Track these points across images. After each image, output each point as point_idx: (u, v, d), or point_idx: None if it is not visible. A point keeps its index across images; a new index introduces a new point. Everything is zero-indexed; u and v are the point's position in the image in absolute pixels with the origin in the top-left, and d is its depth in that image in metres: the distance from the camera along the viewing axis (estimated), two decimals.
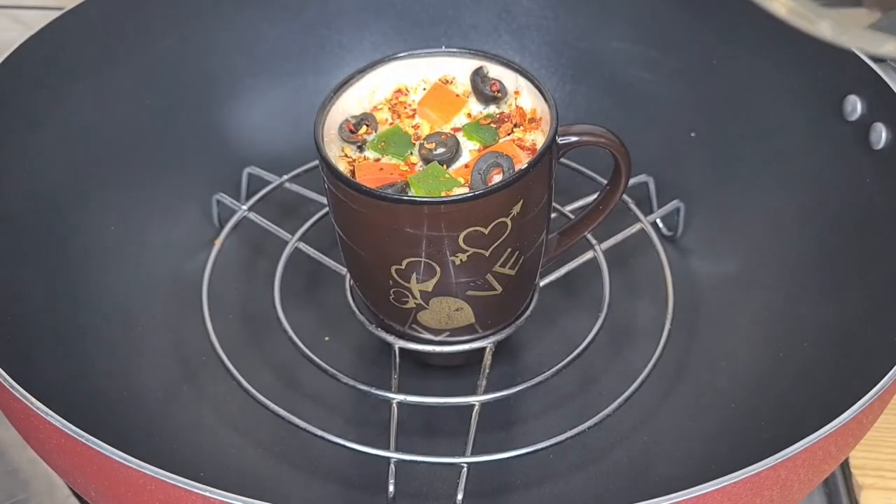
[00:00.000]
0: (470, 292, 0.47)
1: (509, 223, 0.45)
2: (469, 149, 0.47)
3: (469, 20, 0.64)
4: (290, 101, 0.64)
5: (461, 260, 0.45)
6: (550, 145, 0.45)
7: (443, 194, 0.44)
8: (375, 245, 0.46)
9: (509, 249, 0.46)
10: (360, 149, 0.47)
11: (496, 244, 0.45)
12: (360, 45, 0.64)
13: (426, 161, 0.46)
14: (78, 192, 0.57)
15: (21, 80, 0.55)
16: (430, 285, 0.46)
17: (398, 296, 0.47)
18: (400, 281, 0.46)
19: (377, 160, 0.47)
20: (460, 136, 0.47)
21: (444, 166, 0.46)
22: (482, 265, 0.46)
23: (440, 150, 0.46)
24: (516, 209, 0.44)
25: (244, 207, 0.58)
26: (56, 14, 0.57)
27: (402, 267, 0.46)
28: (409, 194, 0.45)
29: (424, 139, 0.47)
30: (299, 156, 0.60)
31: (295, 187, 0.59)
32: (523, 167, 0.44)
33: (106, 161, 0.58)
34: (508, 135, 0.47)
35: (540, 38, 0.64)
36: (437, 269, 0.45)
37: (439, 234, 0.44)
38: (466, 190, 0.45)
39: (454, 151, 0.46)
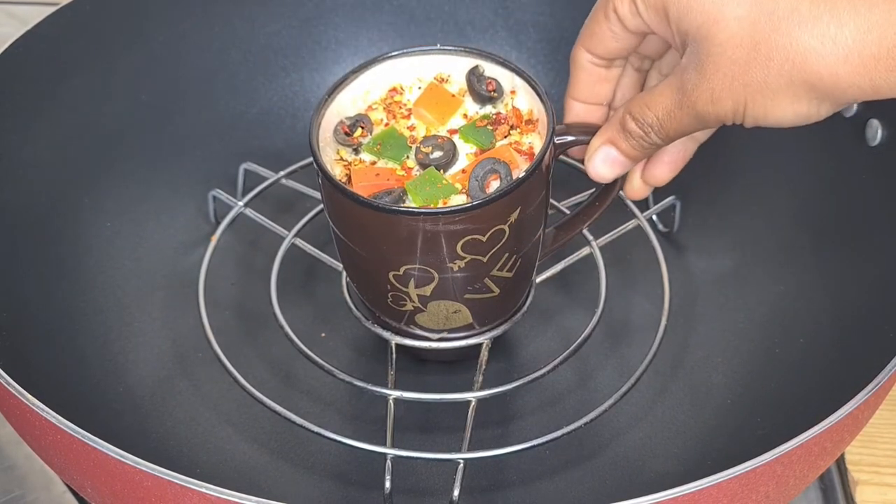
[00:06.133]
0: (468, 295, 0.47)
1: (507, 230, 0.44)
2: (466, 152, 0.47)
3: (465, 16, 0.64)
4: (287, 96, 0.64)
5: (459, 266, 0.45)
6: (547, 151, 0.45)
7: (440, 202, 0.44)
8: (373, 252, 0.46)
9: (507, 254, 0.46)
10: (356, 151, 0.47)
11: (494, 250, 0.45)
12: (356, 40, 0.64)
13: (423, 165, 0.46)
14: (73, 188, 0.57)
15: (15, 75, 0.55)
16: (427, 290, 0.46)
17: (396, 299, 0.47)
18: (397, 286, 0.46)
19: (373, 163, 0.47)
20: (457, 138, 0.47)
21: (441, 171, 0.45)
22: (480, 270, 0.46)
23: (437, 154, 0.46)
24: (514, 216, 0.44)
25: (240, 203, 0.58)
26: (51, 10, 0.57)
27: (400, 273, 0.46)
28: (407, 202, 0.44)
29: (421, 143, 0.46)
30: (296, 151, 0.60)
31: (291, 183, 0.58)
32: (521, 175, 0.44)
33: (101, 157, 0.58)
34: (505, 137, 0.47)
35: (537, 34, 0.64)
36: (435, 275, 0.45)
37: (437, 243, 0.44)
38: (464, 197, 0.45)
39: (451, 155, 0.46)
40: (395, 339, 0.50)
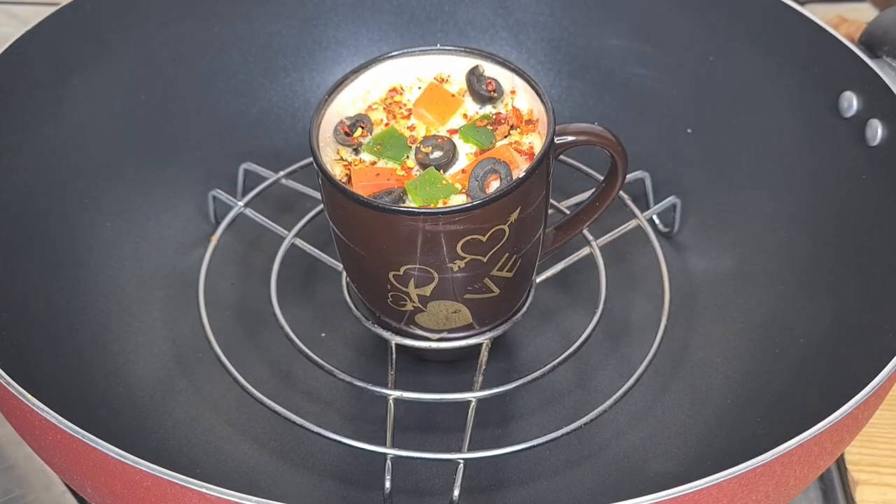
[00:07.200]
0: (468, 295, 0.47)
1: (507, 230, 0.44)
2: (466, 152, 0.47)
3: (465, 16, 0.64)
4: (287, 96, 0.64)
5: (459, 266, 0.45)
6: (548, 151, 0.45)
7: (440, 203, 0.44)
8: (373, 252, 0.46)
9: (507, 254, 0.46)
10: (356, 151, 0.47)
11: (494, 250, 0.45)
12: (357, 40, 0.64)
13: (423, 165, 0.46)
14: (73, 188, 0.57)
15: (16, 75, 0.55)
16: (427, 290, 0.46)
17: (396, 299, 0.47)
18: (397, 286, 0.46)
19: (373, 163, 0.47)
20: (457, 138, 0.47)
21: (441, 171, 0.45)
22: (480, 270, 0.46)
23: (437, 154, 0.46)
24: (514, 216, 0.44)
25: (240, 203, 0.58)
26: (51, 10, 0.57)
27: (400, 273, 0.46)
28: (407, 202, 0.44)
29: (421, 143, 0.46)
30: (296, 151, 0.60)
31: (291, 183, 0.58)
32: (521, 175, 0.44)
33: (101, 157, 0.58)
34: (505, 137, 0.47)
35: (536, 34, 0.64)
36: (435, 275, 0.45)
37: (437, 243, 0.44)
38: (464, 197, 0.45)
39: (451, 156, 0.46)
40: (395, 339, 0.50)
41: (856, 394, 0.42)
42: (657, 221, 0.59)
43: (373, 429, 0.50)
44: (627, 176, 0.50)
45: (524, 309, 0.51)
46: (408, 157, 0.47)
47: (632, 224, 0.56)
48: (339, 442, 0.47)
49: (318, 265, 0.56)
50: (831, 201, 0.55)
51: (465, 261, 0.45)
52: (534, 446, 0.47)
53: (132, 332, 0.55)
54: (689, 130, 0.61)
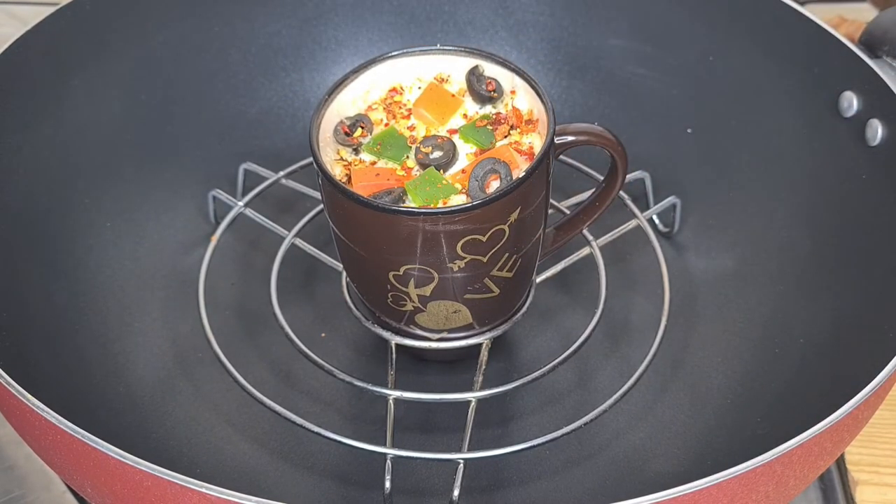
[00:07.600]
0: (468, 295, 0.47)
1: (507, 230, 0.44)
2: (466, 152, 0.47)
3: (465, 16, 0.64)
4: (287, 96, 0.64)
5: (459, 266, 0.45)
6: (548, 151, 0.45)
7: (440, 203, 0.44)
8: (373, 252, 0.46)
9: (507, 254, 0.46)
10: (356, 151, 0.47)
11: (494, 250, 0.45)
12: (356, 40, 0.64)
13: (423, 165, 0.46)
14: (74, 188, 0.57)
15: (16, 75, 0.55)
16: (427, 290, 0.46)
17: (396, 299, 0.47)
18: (397, 286, 0.46)
19: (373, 163, 0.47)
20: (457, 138, 0.47)
21: (441, 171, 0.46)
22: (480, 270, 0.46)
23: (437, 155, 0.46)
24: (514, 216, 0.44)
25: (240, 203, 0.58)
26: (51, 10, 0.57)
27: (400, 273, 0.46)
28: (407, 203, 0.44)
29: (421, 143, 0.46)
30: (296, 151, 0.60)
31: (291, 183, 0.58)
32: (521, 175, 0.44)
33: (101, 157, 0.58)
34: (505, 137, 0.47)
35: (536, 34, 0.64)
36: (435, 275, 0.45)
37: (437, 243, 0.44)
38: (464, 197, 0.45)
39: (451, 156, 0.46)
40: (395, 339, 0.50)
41: (856, 394, 0.42)
42: (657, 221, 0.59)
43: (373, 429, 0.50)
44: (627, 176, 0.50)
45: (524, 309, 0.51)
46: (408, 157, 0.47)
47: (632, 224, 0.56)
48: (339, 442, 0.47)
49: (318, 265, 0.56)
50: (831, 201, 0.55)
51: (465, 261, 0.45)
52: (534, 446, 0.47)
53: (132, 332, 0.55)
54: (689, 130, 0.61)
